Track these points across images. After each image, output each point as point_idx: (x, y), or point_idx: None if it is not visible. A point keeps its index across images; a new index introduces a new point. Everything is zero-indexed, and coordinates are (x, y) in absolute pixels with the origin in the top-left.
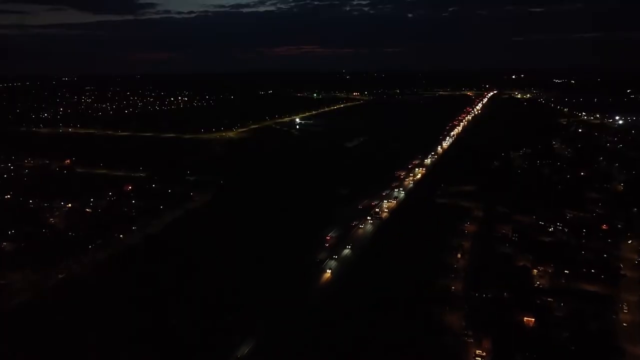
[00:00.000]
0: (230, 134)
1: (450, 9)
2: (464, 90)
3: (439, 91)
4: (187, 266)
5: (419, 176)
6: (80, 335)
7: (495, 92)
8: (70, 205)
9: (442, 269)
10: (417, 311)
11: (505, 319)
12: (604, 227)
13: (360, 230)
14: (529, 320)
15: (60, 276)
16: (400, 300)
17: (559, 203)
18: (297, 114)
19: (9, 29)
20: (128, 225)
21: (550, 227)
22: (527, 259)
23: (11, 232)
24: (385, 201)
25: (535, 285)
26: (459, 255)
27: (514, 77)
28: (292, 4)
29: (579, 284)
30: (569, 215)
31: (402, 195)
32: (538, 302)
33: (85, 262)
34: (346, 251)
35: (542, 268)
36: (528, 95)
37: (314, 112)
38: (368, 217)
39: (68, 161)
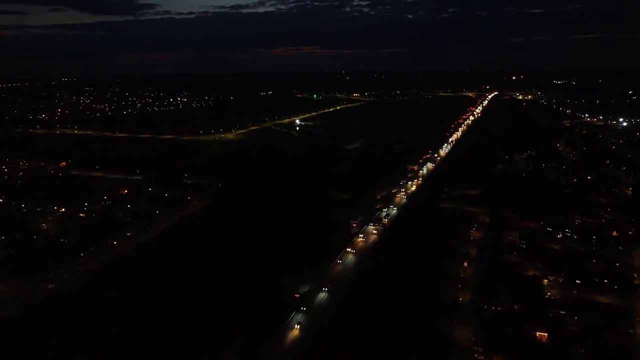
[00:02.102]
0: (229, 136)
1: (450, 10)
2: (464, 92)
3: (440, 92)
4: (181, 277)
5: (421, 180)
6: (64, 355)
7: (496, 93)
8: (63, 209)
9: (449, 278)
10: (424, 324)
11: (517, 334)
12: (615, 233)
13: (360, 241)
14: (542, 335)
15: (49, 286)
16: (407, 312)
17: (567, 208)
18: (297, 116)
19: (8, 30)
20: (122, 231)
21: (559, 234)
22: (536, 268)
23: (1, 238)
24: (386, 208)
25: (547, 296)
26: (465, 264)
27: (514, 78)
28: (292, 5)
29: (592, 295)
30: (577, 221)
31: (404, 200)
32: (551, 315)
33: (76, 271)
34: (349, 260)
35: (552, 278)
36: (529, 96)
37: (314, 113)
38: (370, 224)
39: (63, 163)
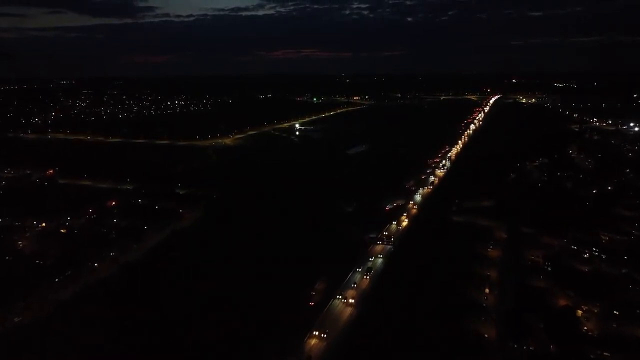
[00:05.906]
0: (227, 141)
1: (450, 13)
2: (465, 94)
3: (441, 95)
4: (169, 306)
5: (430, 189)
6: None
7: (498, 96)
8: (44, 224)
9: (471, 308)
10: None
11: None
12: None
13: (369, 260)
14: None
15: (16, 319)
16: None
17: (590, 222)
18: (296, 119)
19: (7, 32)
20: (105, 250)
21: (586, 253)
22: (567, 296)
23: None
24: (393, 221)
25: (584, 330)
26: (487, 290)
27: (514, 81)
28: (292, 7)
29: (633, 329)
30: (604, 238)
31: (413, 211)
32: (592, 357)
33: (49, 299)
34: (361, 282)
35: (586, 308)
36: (533, 99)
37: (314, 117)
38: (378, 242)
39: (51, 171)
